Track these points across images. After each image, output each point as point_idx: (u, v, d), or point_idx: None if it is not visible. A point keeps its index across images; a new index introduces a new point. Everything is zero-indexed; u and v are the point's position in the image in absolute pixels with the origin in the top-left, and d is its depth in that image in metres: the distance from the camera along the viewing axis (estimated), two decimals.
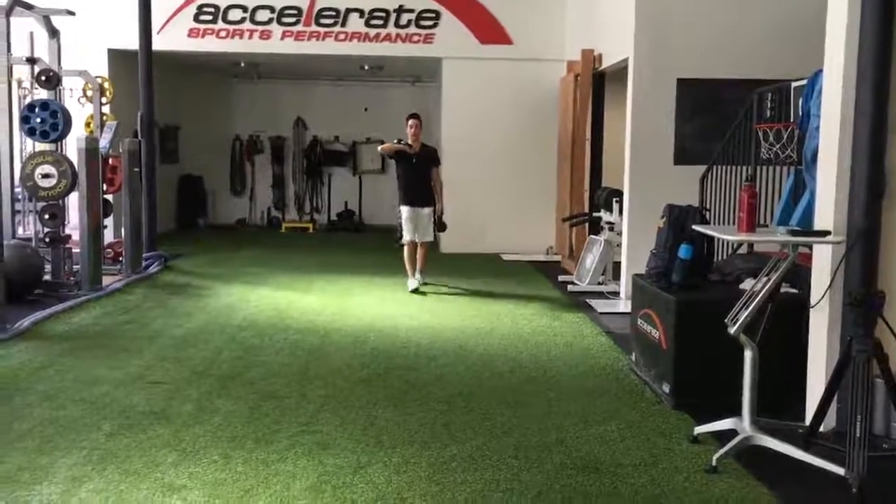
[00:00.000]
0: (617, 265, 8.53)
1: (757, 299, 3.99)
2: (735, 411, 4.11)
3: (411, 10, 11.73)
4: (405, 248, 8.76)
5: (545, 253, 11.41)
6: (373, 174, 15.18)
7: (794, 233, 4.14)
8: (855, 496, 3.47)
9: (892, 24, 4.07)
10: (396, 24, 11.76)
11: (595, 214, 9.26)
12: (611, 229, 8.58)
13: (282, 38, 11.74)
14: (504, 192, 11.77)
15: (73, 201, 8.37)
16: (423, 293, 8.46)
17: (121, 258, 9.36)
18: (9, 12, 8.45)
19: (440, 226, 8.85)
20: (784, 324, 4.52)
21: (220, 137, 15.26)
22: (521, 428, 4.48)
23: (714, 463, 3.89)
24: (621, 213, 8.31)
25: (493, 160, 11.78)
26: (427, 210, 8.66)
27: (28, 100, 9.15)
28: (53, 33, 9.22)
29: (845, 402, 3.88)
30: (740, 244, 6.09)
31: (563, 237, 10.93)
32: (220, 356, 5.91)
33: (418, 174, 8.65)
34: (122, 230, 9.42)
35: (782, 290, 4.47)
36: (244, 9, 11.67)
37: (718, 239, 5.43)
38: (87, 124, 9.99)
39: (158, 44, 10.68)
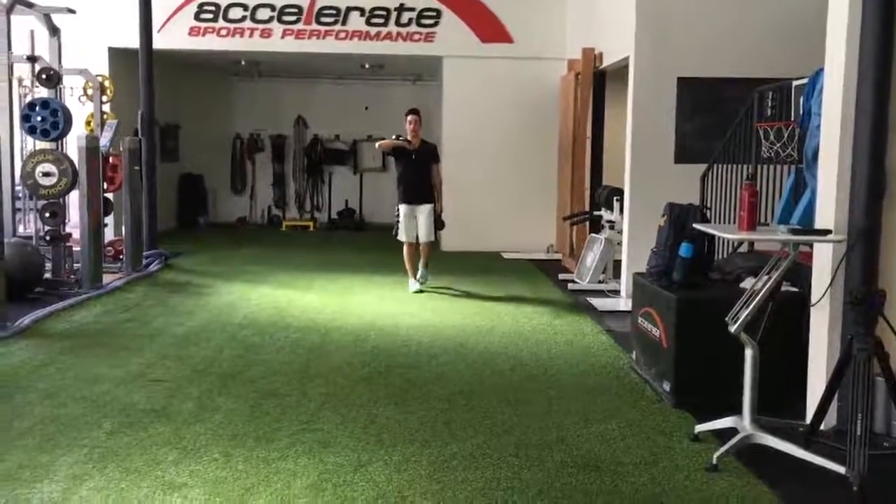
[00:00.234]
0: (617, 264, 8.52)
1: (758, 298, 3.99)
2: (736, 410, 4.11)
3: (412, 9, 11.73)
4: (404, 249, 8.59)
5: (546, 251, 11.40)
6: (373, 172, 15.18)
7: (794, 231, 4.14)
8: (855, 494, 3.47)
9: (893, 23, 4.07)
10: (397, 23, 11.76)
11: (596, 213, 9.25)
12: (611, 228, 8.58)
13: (282, 37, 11.74)
14: (505, 190, 11.77)
15: (74, 199, 8.37)
16: (422, 291, 8.44)
17: (121, 256, 9.36)
18: (9, 10, 8.45)
19: (438, 224, 8.64)
20: (785, 322, 4.52)
21: (221, 136, 15.26)
22: (521, 426, 4.48)
23: (714, 461, 3.89)
24: (622, 211, 8.30)
25: (493, 159, 11.78)
26: (427, 207, 8.44)
27: (28, 98, 9.15)
28: (54, 31, 9.21)
29: (846, 401, 3.88)
30: (741, 243, 6.09)
31: (563, 235, 10.93)
32: (221, 354, 5.91)
33: (418, 171, 8.42)
34: (123, 228, 9.42)
35: (783, 288, 4.47)
36: (245, 7, 11.68)
37: (719, 237, 5.43)
38: (88, 123, 9.99)
39: (159, 42, 10.69)
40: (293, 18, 11.73)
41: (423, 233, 8.46)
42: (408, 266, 8.60)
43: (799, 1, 7.47)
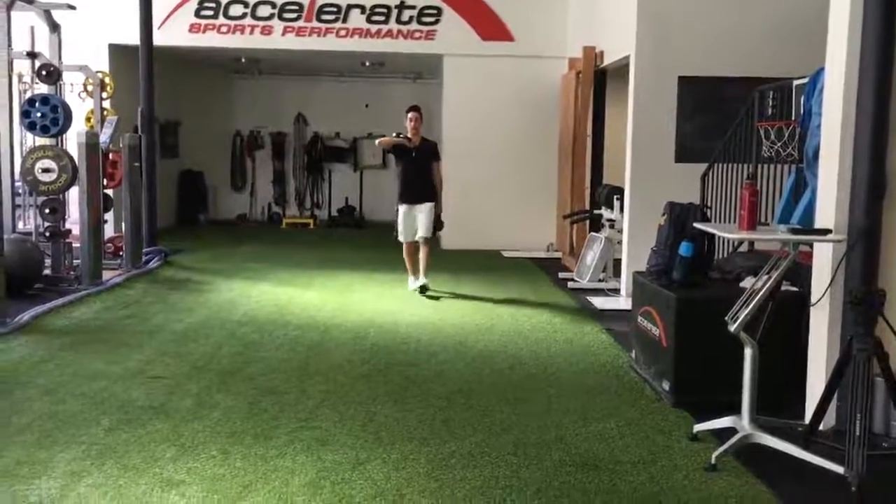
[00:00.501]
0: (617, 262, 8.52)
1: (757, 297, 3.98)
2: (735, 409, 4.11)
3: (413, 7, 11.72)
4: (404, 247, 8.42)
5: (546, 250, 11.39)
6: (374, 170, 15.18)
7: (794, 231, 4.13)
8: (854, 495, 3.46)
9: (894, 22, 4.06)
10: (398, 21, 11.74)
11: (596, 212, 9.25)
12: (611, 226, 8.57)
13: (283, 34, 11.73)
14: (505, 188, 11.77)
15: (74, 196, 8.37)
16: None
17: (121, 253, 9.36)
18: (10, 6, 8.44)
19: (437, 224, 8.41)
20: (784, 322, 4.52)
21: (221, 133, 15.25)
22: (520, 425, 4.48)
23: (713, 461, 3.89)
24: (622, 210, 8.30)
25: (494, 157, 11.77)
26: (427, 206, 8.23)
27: (28, 94, 9.14)
28: (54, 28, 9.21)
29: (845, 401, 3.87)
30: (741, 242, 6.08)
31: (563, 234, 10.93)
32: (220, 351, 5.91)
33: (418, 169, 8.25)
34: (123, 225, 9.42)
35: (783, 288, 4.47)
36: (245, 4, 11.66)
37: (719, 237, 5.42)
38: (88, 119, 9.99)
39: (159, 39, 10.68)
40: (294, 16, 11.72)
41: (422, 228, 8.24)
42: (408, 264, 8.47)
43: (800, 0, 7.46)
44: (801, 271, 4.71)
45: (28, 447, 3.99)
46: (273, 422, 4.43)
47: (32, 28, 9.00)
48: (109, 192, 9.51)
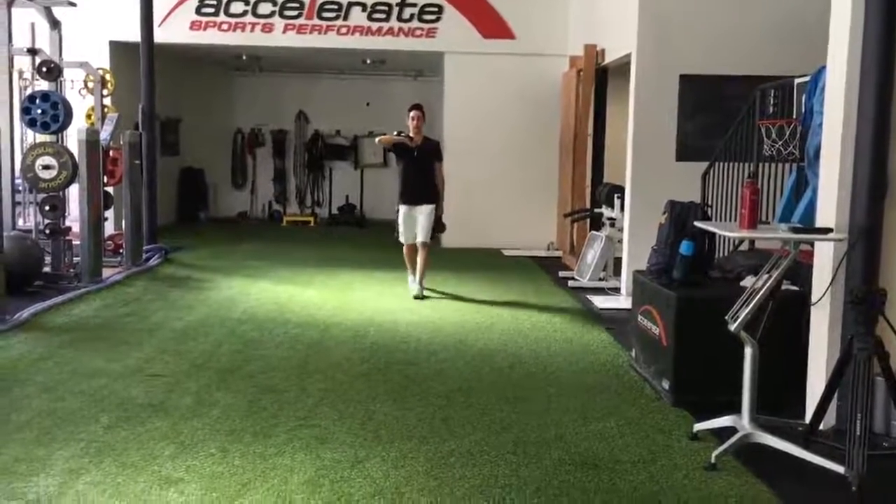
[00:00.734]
0: (618, 261, 8.51)
1: (758, 296, 3.97)
2: (735, 408, 4.10)
3: (414, 4, 11.71)
4: (404, 249, 8.25)
5: (546, 248, 11.39)
6: (374, 168, 15.17)
7: (795, 230, 4.12)
8: (854, 494, 3.46)
9: None
10: (399, 18, 11.73)
11: (596, 210, 9.24)
12: (612, 225, 8.56)
13: (284, 32, 11.73)
14: (505, 187, 11.75)
15: (74, 193, 8.36)
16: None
17: (121, 250, 9.35)
18: (10, 3, 8.43)
19: (439, 226, 8.21)
20: (785, 321, 4.50)
21: (222, 130, 15.25)
22: (520, 423, 4.47)
23: (713, 460, 3.88)
24: (623, 209, 8.29)
25: (494, 155, 11.76)
26: (427, 208, 8.03)
27: (29, 91, 9.13)
28: (55, 24, 9.20)
29: (845, 400, 3.86)
30: (742, 241, 6.07)
31: (564, 233, 10.92)
32: (220, 349, 5.90)
33: (420, 169, 8.04)
34: (123, 222, 9.41)
35: (783, 287, 4.46)
36: (246, 1, 11.66)
37: (720, 236, 5.41)
38: (88, 116, 9.98)
39: (160, 36, 10.68)
40: (295, 13, 11.71)
41: (421, 232, 8.05)
42: (408, 264, 8.33)
43: None
44: (801, 270, 4.70)
45: (27, 444, 3.98)
46: (272, 420, 4.43)
47: (33, 24, 8.99)
48: (110, 189, 9.51)
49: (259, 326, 6.63)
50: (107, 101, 9.97)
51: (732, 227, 4.65)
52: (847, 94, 4.18)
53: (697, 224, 4.71)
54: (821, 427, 4.00)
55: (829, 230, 4.16)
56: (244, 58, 13.56)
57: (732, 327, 3.99)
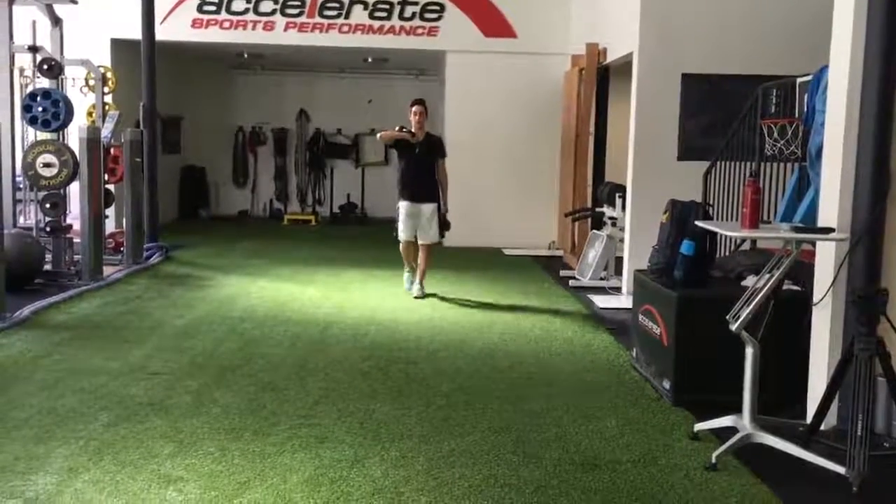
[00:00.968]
0: (619, 260, 8.50)
1: (759, 296, 3.96)
2: (736, 408, 4.08)
3: (415, 3, 11.70)
4: (401, 245, 7.98)
5: (547, 248, 11.38)
6: (376, 167, 15.15)
7: (797, 230, 4.11)
8: (855, 495, 3.44)
9: None
10: (400, 17, 11.72)
11: (598, 209, 9.22)
12: (613, 224, 8.55)
13: (285, 30, 11.72)
14: (507, 186, 11.74)
15: (75, 191, 8.36)
16: (426, 295, 7.91)
17: (122, 248, 9.35)
18: (12, 0, 8.42)
19: (444, 225, 7.93)
20: (786, 321, 4.49)
21: (223, 128, 15.23)
22: (520, 423, 4.46)
23: (714, 460, 3.86)
24: (624, 208, 8.27)
25: (496, 154, 11.75)
26: (430, 207, 7.80)
27: (30, 88, 9.13)
28: (56, 22, 9.19)
29: (847, 401, 3.85)
30: (743, 240, 6.06)
31: (565, 232, 10.90)
32: (220, 348, 5.89)
33: (421, 166, 7.82)
34: (124, 220, 9.41)
35: (785, 287, 4.44)
36: (248, 0, 11.64)
37: (721, 235, 5.40)
38: (89, 114, 9.98)
39: (161, 34, 10.65)
40: (296, 11, 11.70)
41: (424, 235, 7.84)
42: (406, 261, 8.08)
43: None
44: (803, 270, 4.68)
45: (26, 442, 3.97)
46: (272, 418, 4.42)
47: (34, 22, 8.98)
48: (111, 187, 9.50)
49: (259, 325, 6.62)
50: (108, 98, 9.96)
51: (734, 227, 4.63)
52: (849, 94, 4.17)
53: (699, 223, 4.69)
54: (822, 427, 3.99)
55: (830, 230, 4.14)
56: (246, 56, 13.54)
57: (734, 327, 3.97)
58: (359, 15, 11.72)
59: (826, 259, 4.32)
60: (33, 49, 8.85)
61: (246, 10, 11.66)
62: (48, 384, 4.90)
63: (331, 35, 11.76)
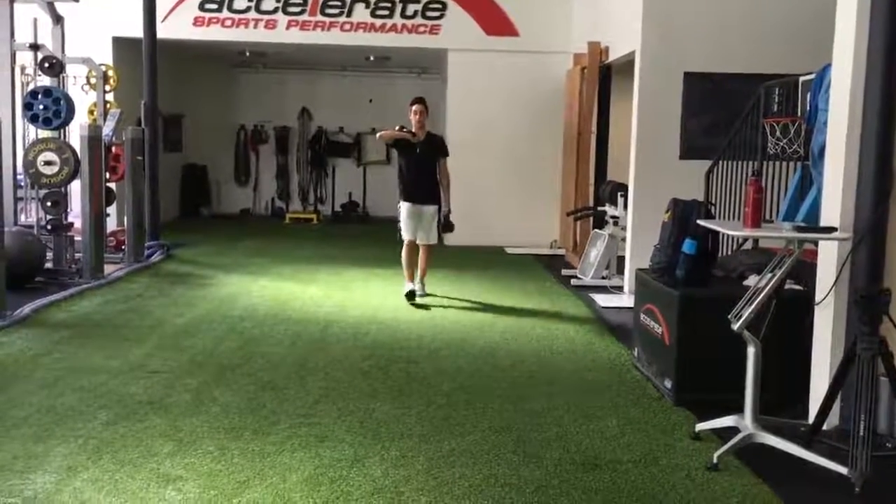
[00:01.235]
0: (621, 259, 8.48)
1: (761, 296, 3.94)
2: (737, 408, 4.07)
3: (417, 1, 11.68)
4: (403, 248, 7.75)
5: (549, 247, 11.36)
6: (377, 165, 15.13)
7: (799, 229, 4.09)
8: (857, 496, 3.43)
9: None
10: (402, 15, 11.70)
11: (599, 208, 9.20)
12: (615, 223, 8.53)
13: (287, 28, 11.70)
14: (508, 184, 11.72)
15: (76, 189, 8.35)
16: (427, 294, 7.77)
17: (123, 247, 9.34)
18: None
19: (447, 226, 7.76)
20: (788, 321, 4.47)
21: (225, 127, 15.23)
22: (520, 422, 4.44)
23: (715, 460, 3.85)
24: (626, 207, 8.25)
25: (497, 153, 11.72)
26: (431, 208, 7.62)
27: (31, 86, 9.12)
28: (57, 20, 9.18)
29: (849, 401, 3.84)
30: (745, 240, 6.03)
31: (567, 231, 10.88)
32: (220, 346, 5.88)
33: (422, 166, 7.63)
34: (125, 218, 9.40)
35: (787, 286, 4.42)
36: None
37: (723, 234, 5.38)
38: (91, 112, 9.97)
39: (163, 32, 10.63)
40: (298, 10, 11.68)
41: (424, 235, 7.67)
42: (405, 267, 7.77)
43: None
44: (805, 269, 4.66)
45: (25, 441, 3.96)
46: (272, 417, 4.40)
47: (35, 20, 8.96)
48: (112, 185, 9.49)
49: (260, 324, 6.61)
50: (109, 97, 9.96)
51: (736, 226, 4.62)
52: (852, 92, 4.15)
53: (701, 222, 4.67)
54: (824, 427, 3.97)
55: (833, 229, 4.12)
56: (247, 54, 13.53)
57: (735, 326, 3.96)
58: (360, 13, 11.70)
59: (828, 258, 4.30)
60: (34, 47, 8.84)
61: (248, 9, 11.64)
62: (48, 382, 4.89)
63: (332, 33, 11.74)
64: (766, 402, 4.07)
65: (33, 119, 8.38)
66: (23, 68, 9.51)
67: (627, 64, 8.72)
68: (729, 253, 6.19)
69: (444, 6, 11.68)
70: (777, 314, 4.14)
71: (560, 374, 5.41)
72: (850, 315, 4.12)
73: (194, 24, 11.58)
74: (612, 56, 9.36)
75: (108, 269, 8.45)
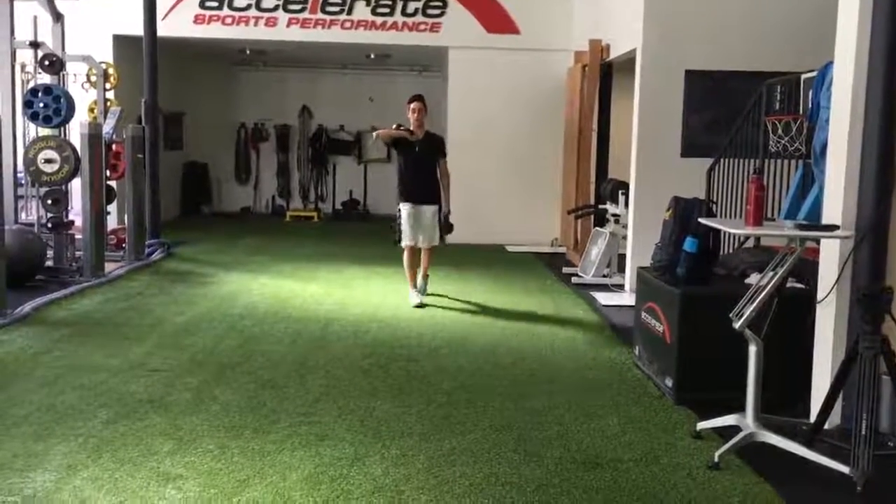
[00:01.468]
0: (622, 258, 8.46)
1: (763, 294, 3.93)
2: (739, 407, 4.06)
3: None
4: (405, 253, 7.52)
5: (550, 245, 11.35)
6: (378, 163, 15.12)
7: (801, 227, 4.08)
8: (859, 495, 3.42)
9: None
10: (403, 13, 11.69)
11: (601, 206, 9.19)
12: (616, 221, 8.52)
13: (288, 26, 11.69)
14: (509, 183, 11.71)
15: (77, 187, 8.35)
16: (423, 305, 7.37)
17: (123, 245, 9.33)
18: None
19: (447, 227, 7.53)
20: (790, 319, 4.46)
21: (226, 125, 15.22)
22: (521, 421, 4.43)
23: (716, 459, 3.84)
24: (627, 205, 8.24)
25: (498, 151, 11.71)
26: (431, 209, 7.41)
27: (31, 84, 9.11)
28: (57, 18, 9.16)
29: (851, 400, 3.82)
30: (747, 238, 6.02)
31: (568, 229, 10.87)
32: (221, 345, 5.87)
33: (421, 166, 7.43)
34: (126, 217, 9.39)
35: (788, 284, 4.41)
36: None
37: (725, 232, 5.37)
38: (91, 110, 9.96)
39: (163, 30, 10.63)
40: (299, 7, 11.67)
41: (425, 237, 7.44)
42: (407, 274, 7.58)
43: None
44: (807, 267, 4.65)
45: (25, 439, 3.96)
46: (272, 416, 4.40)
47: (35, 18, 8.96)
48: (112, 183, 9.48)
49: (260, 322, 6.60)
50: (110, 94, 9.95)
51: (737, 224, 4.60)
52: (854, 90, 4.14)
53: (702, 220, 4.66)
54: (825, 426, 3.96)
55: (835, 227, 4.11)
56: (248, 52, 13.52)
57: (737, 325, 3.94)
58: (361, 11, 11.68)
59: (830, 257, 4.28)
60: (35, 45, 8.83)
61: (248, 6, 11.63)
62: (48, 381, 4.89)
63: (333, 31, 11.72)
64: (767, 400, 4.06)
65: (33, 117, 8.37)
66: (23, 66, 9.51)
67: (628, 62, 8.71)
68: (730, 251, 6.17)
69: (445, 4, 11.67)
70: (779, 313, 4.13)
71: (561, 373, 5.40)
72: (852, 313, 4.11)
73: (195, 21, 11.57)
74: (613, 54, 9.35)
75: (108, 267, 8.44)
